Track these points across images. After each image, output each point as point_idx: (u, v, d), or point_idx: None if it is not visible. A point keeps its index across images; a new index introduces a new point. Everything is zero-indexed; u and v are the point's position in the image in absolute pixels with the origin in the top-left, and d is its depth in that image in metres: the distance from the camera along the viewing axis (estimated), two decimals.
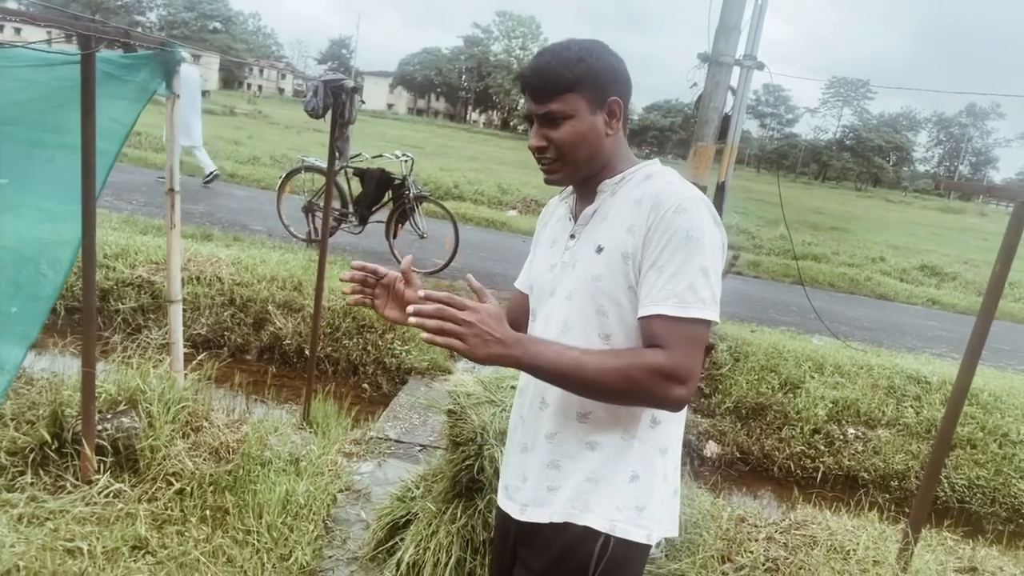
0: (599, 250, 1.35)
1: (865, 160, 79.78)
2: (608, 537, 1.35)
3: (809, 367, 5.73)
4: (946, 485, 4.88)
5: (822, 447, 5.13)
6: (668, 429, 1.39)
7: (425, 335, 1.16)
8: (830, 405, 5.34)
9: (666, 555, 2.97)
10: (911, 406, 5.45)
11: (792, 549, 3.15)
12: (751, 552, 3.10)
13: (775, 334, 6.73)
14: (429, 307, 1.16)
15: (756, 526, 3.36)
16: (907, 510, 3.08)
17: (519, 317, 1.60)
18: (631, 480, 1.36)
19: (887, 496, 4.78)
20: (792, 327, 7.55)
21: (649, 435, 1.37)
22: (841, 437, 5.21)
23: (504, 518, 1.51)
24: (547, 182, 1.41)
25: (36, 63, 3.21)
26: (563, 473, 1.39)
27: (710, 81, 5.60)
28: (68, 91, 2.76)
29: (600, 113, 1.35)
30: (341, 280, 1.42)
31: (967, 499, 4.86)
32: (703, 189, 5.59)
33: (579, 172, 1.39)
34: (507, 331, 1.21)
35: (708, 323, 1.25)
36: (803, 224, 19.76)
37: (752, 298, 9.35)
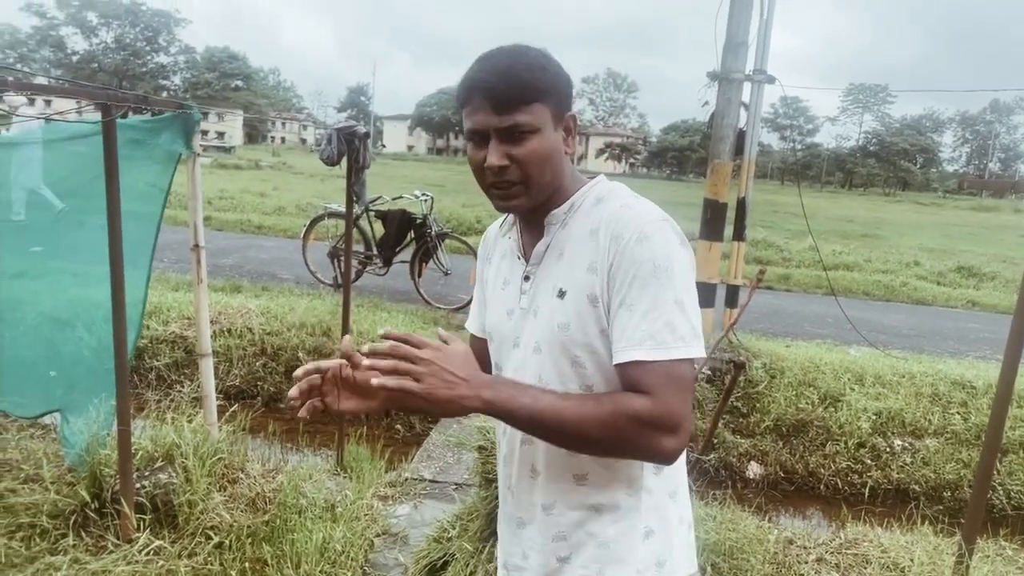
0: (561, 294, 1.19)
1: (891, 165, 78.77)
2: None
3: (849, 379, 5.59)
4: (1001, 492, 4.70)
5: (868, 461, 4.98)
6: (674, 471, 1.27)
7: (375, 380, 1.03)
8: (873, 417, 5.19)
9: None
10: (958, 412, 5.28)
11: (844, 570, 3.05)
12: (802, 575, 3.01)
13: (811, 347, 6.59)
14: (383, 345, 1.06)
15: (805, 547, 3.26)
16: (961, 521, 2.96)
17: (482, 364, 1.34)
18: (646, 537, 1.23)
19: (940, 508, 4.61)
20: (828, 339, 7.40)
21: (656, 483, 1.24)
22: (888, 449, 5.06)
23: None
24: (502, 209, 1.24)
25: (67, 136, 3.34)
26: (571, 543, 1.25)
27: (721, 98, 5.60)
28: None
29: (559, 129, 1.20)
30: (290, 398, 1.17)
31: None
32: (723, 206, 5.56)
33: (541, 195, 1.21)
34: (474, 372, 1.09)
35: (692, 361, 1.13)
36: (832, 234, 19.50)
37: (784, 312, 9.20)
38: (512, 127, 1.14)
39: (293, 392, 1.15)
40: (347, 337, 1.18)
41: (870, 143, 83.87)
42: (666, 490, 1.26)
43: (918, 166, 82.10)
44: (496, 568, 2.56)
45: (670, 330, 1.10)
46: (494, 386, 1.09)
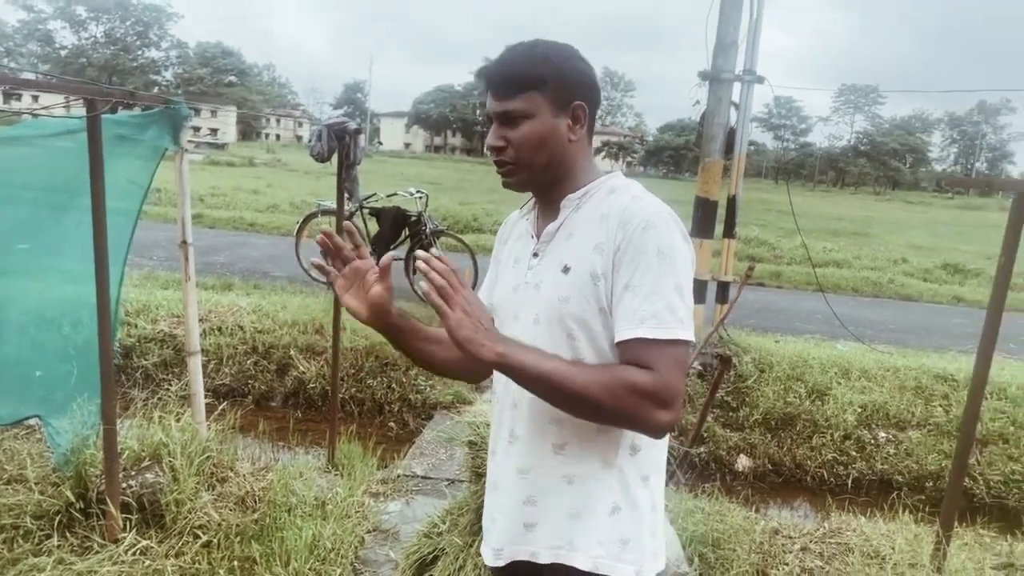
0: (566, 270, 1.27)
1: (881, 164, 79.09)
2: None
3: (835, 373, 5.65)
4: (981, 482, 4.79)
5: (854, 453, 5.05)
6: (650, 455, 1.30)
7: (424, 284, 1.14)
8: (859, 410, 5.26)
9: (700, 574, 2.92)
10: (940, 405, 5.36)
11: (828, 558, 3.10)
12: (787, 564, 3.05)
13: (799, 343, 6.65)
14: (439, 264, 1.15)
15: (790, 537, 3.31)
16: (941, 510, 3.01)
17: None
18: (612, 512, 1.27)
19: (922, 498, 4.66)
20: (817, 335, 7.46)
21: (629, 463, 1.28)
22: (872, 441, 5.12)
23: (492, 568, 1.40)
24: (505, 186, 1.34)
25: (52, 132, 3.33)
26: (539, 509, 1.30)
27: (712, 98, 5.64)
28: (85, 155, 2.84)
29: (563, 117, 1.27)
30: (317, 241, 1.30)
31: (1003, 495, 4.76)
32: (714, 204, 5.60)
33: (537, 177, 1.31)
34: (494, 328, 1.18)
35: (688, 343, 1.19)
36: (823, 231, 19.61)
37: (774, 308, 9.26)
38: (506, 112, 1.26)
39: (320, 239, 1.28)
40: (391, 253, 1.31)
41: (861, 143, 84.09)
42: (639, 473, 1.29)
43: (907, 165, 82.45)
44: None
45: (670, 311, 1.17)
46: (507, 343, 1.17)
